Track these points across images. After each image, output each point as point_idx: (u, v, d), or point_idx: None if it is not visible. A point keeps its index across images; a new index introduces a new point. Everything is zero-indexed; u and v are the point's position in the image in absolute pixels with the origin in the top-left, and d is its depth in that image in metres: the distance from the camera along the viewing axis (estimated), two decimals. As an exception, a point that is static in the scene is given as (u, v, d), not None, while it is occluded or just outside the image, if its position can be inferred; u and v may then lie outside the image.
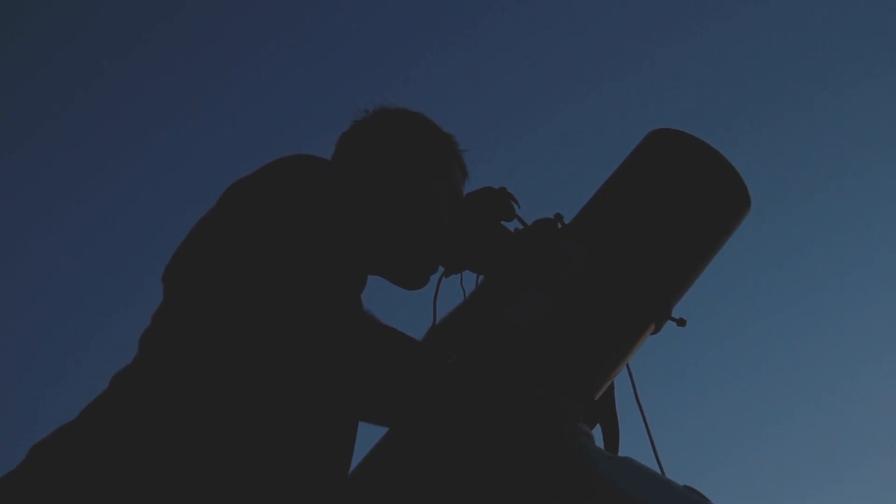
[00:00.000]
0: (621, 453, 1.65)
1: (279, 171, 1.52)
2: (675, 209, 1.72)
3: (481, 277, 1.83)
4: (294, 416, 1.43)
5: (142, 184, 5.58)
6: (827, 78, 5.55)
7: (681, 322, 1.74)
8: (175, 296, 1.50)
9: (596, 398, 1.67)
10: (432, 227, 1.74)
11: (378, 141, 1.76)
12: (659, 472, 1.59)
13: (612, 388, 1.73)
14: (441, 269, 1.80)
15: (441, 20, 5.73)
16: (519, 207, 1.81)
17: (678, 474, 1.52)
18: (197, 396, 1.40)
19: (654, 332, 1.74)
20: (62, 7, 5.43)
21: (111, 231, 5.65)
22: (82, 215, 5.56)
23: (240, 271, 1.42)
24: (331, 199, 1.51)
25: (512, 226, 1.79)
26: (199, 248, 1.50)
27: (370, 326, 1.43)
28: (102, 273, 5.59)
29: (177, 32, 5.58)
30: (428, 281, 1.79)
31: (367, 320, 1.46)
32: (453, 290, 1.82)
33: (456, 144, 1.84)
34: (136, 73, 5.53)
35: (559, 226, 1.75)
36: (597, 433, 1.68)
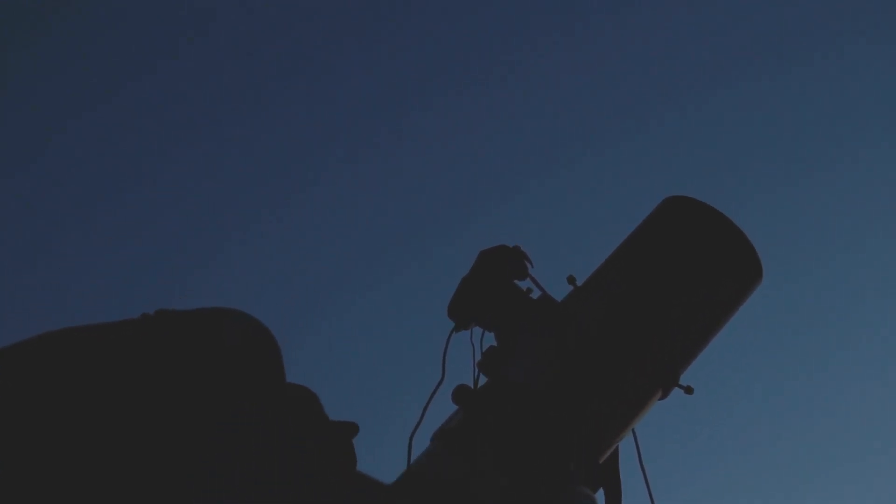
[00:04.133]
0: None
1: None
2: (688, 278, 1.74)
3: (490, 334, 1.83)
4: None
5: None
6: (841, 145, 5.58)
7: (688, 390, 1.75)
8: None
9: (601, 461, 1.68)
10: None
11: None
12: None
13: (616, 451, 1.74)
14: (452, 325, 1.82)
15: (465, 69, 5.79)
16: (532, 267, 1.83)
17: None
18: None
19: (662, 398, 1.74)
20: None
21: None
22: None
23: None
24: None
25: (525, 285, 1.81)
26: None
27: None
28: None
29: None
30: None
31: None
32: (464, 344, 1.83)
33: None
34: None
35: (572, 288, 1.77)
36: (599, 497, 1.68)
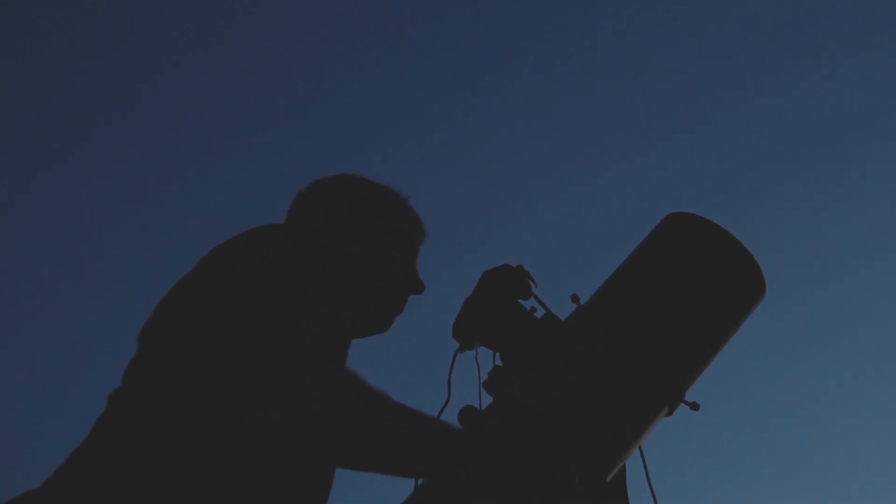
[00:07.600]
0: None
1: (260, 237, 1.58)
2: (691, 294, 1.74)
3: (496, 354, 1.84)
4: (266, 479, 1.45)
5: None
6: (845, 162, 5.59)
7: (694, 406, 1.75)
8: (152, 355, 1.53)
9: (607, 479, 1.68)
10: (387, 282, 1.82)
11: (338, 207, 1.83)
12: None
13: (623, 469, 1.74)
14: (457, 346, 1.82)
15: (467, 85, 5.81)
16: (536, 286, 1.83)
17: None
18: (171, 456, 1.42)
19: (668, 415, 1.74)
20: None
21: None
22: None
23: (221, 333, 1.46)
24: (312, 263, 1.58)
25: (528, 304, 1.81)
26: (180, 309, 1.53)
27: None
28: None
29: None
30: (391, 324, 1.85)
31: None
32: (469, 364, 1.84)
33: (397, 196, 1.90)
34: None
35: (576, 306, 1.77)
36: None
